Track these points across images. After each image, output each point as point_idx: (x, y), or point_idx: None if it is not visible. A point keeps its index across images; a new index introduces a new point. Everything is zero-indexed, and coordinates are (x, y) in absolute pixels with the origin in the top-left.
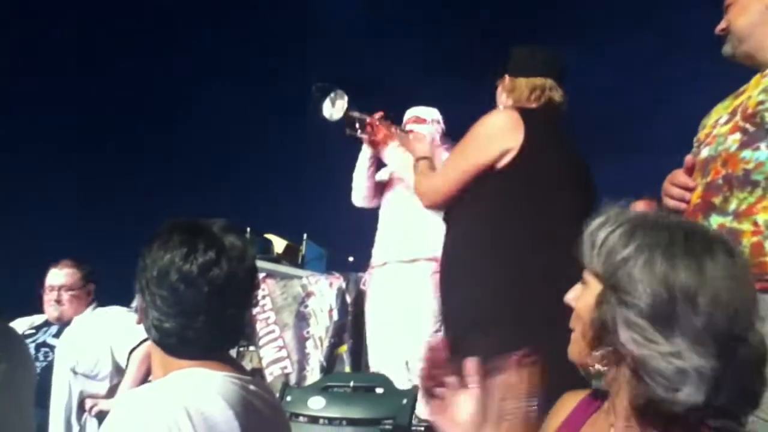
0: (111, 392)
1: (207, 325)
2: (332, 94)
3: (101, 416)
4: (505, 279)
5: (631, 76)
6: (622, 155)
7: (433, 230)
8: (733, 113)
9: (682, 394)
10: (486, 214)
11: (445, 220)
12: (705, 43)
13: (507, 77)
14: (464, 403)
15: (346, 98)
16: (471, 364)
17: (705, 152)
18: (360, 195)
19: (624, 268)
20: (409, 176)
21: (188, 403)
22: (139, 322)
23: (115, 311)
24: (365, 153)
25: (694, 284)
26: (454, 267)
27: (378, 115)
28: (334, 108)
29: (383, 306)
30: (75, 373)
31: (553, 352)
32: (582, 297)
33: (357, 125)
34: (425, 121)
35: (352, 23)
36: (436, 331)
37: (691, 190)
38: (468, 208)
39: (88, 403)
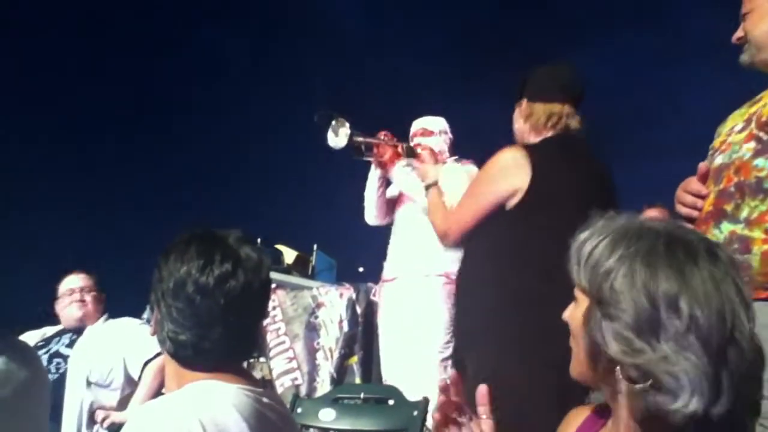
0: (122, 403)
1: (223, 336)
2: (333, 123)
3: (112, 428)
4: (510, 302)
5: (632, 77)
6: (624, 157)
7: (441, 245)
8: (748, 121)
9: (680, 402)
10: (495, 253)
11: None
12: (706, 44)
13: (525, 101)
14: None
15: (347, 124)
16: (483, 392)
17: (719, 159)
18: (372, 214)
19: (607, 281)
20: (419, 196)
21: (203, 415)
22: (153, 334)
23: (128, 322)
24: (374, 173)
25: (675, 290)
26: (463, 302)
27: (383, 134)
28: (338, 137)
29: (395, 319)
30: (89, 383)
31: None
32: (574, 314)
33: (363, 148)
34: (433, 133)
35: (357, 26)
36: (447, 343)
37: (703, 197)
38: (478, 244)
39: (100, 414)
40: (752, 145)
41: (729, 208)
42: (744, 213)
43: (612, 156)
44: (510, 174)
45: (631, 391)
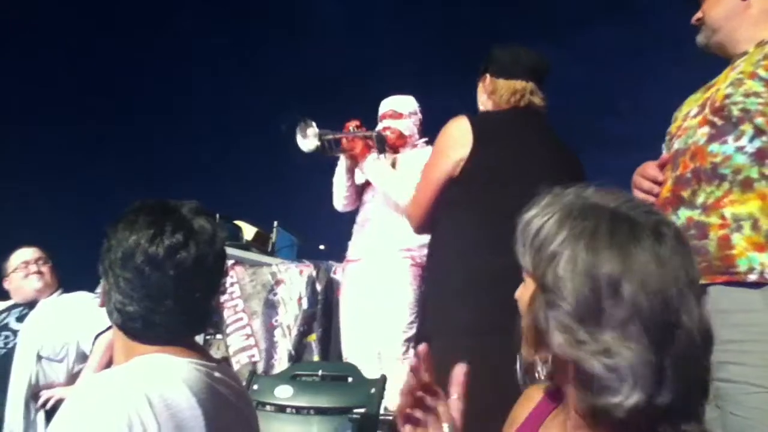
0: (72, 379)
1: (173, 309)
2: (300, 125)
3: (57, 406)
4: (464, 282)
5: (603, 69)
6: (594, 147)
7: (409, 228)
8: (702, 106)
9: (620, 396)
10: (446, 222)
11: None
12: (679, 37)
13: (488, 77)
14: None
15: (314, 124)
16: (459, 371)
17: (676, 145)
18: (341, 202)
19: (550, 266)
20: (390, 191)
21: (149, 389)
22: (101, 305)
23: (82, 296)
24: (343, 164)
25: (617, 274)
26: (427, 273)
27: (353, 124)
28: (307, 139)
29: (358, 297)
30: (39, 357)
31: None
32: (522, 295)
33: (334, 145)
34: (402, 115)
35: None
36: (411, 323)
37: (660, 183)
38: (435, 217)
39: (44, 395)
40: (706, 130)
41: (686, 194)
42: (700, 199)
43: (578, 148)
44: (456, 145)
45: (572, 384)
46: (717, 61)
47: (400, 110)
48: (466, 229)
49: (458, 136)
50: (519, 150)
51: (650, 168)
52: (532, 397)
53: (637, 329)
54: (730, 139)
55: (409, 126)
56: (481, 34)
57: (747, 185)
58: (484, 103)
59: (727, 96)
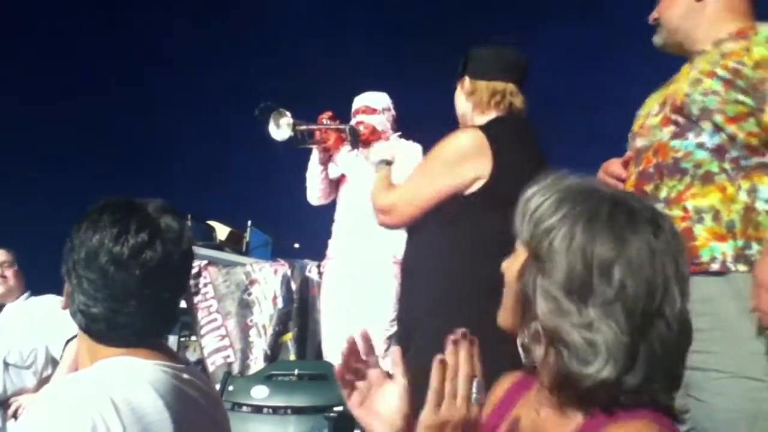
0: (41, 384)
1: (138, 310)
2: (273, 115)
3: None
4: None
5: (574, 66)
6: (565, 145)
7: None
8: (663, 104)
9: (592, 368)
10: (454, 238)
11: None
12: (646, 34)
13: (467, 79)
14: (388, 396)
15: (288, 114)
16: (396, 353)
17: (639, 143)
18: (315, 195)
19: (546, 238)
20: (363, 181)
21: (114, 393)
22: (65, 307)
23: (50, 300)
24: (316, 156)
25: (611, 257)
26: (413, 280)
27: (326, 116)
28: (280, 128)
29: (339, 295)
30: (6, 364)
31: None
32: (511, 265)
33: (307, 136)
34: (375, 110)
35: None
36: (393, 321)
37: (623, 180)
38: (433, 232)
39: (14, 404)
40: (671, 128)
41: (649, 188)
42: (663, 193)
43: (554, 143)
44: (472, 159)
45: (550, 352)
46: (682, 58)
47: (374, 106)
48: (478, 243)
49: (474, 152)
50: (530, 171)
51: (614, 165)
52: (505, 383)
53: (620, 311)
54: (690, 135)
55: (382, 122)
56: (459, 28)
57: (708, 178)
58: (462, 105)
59: (687, 95)
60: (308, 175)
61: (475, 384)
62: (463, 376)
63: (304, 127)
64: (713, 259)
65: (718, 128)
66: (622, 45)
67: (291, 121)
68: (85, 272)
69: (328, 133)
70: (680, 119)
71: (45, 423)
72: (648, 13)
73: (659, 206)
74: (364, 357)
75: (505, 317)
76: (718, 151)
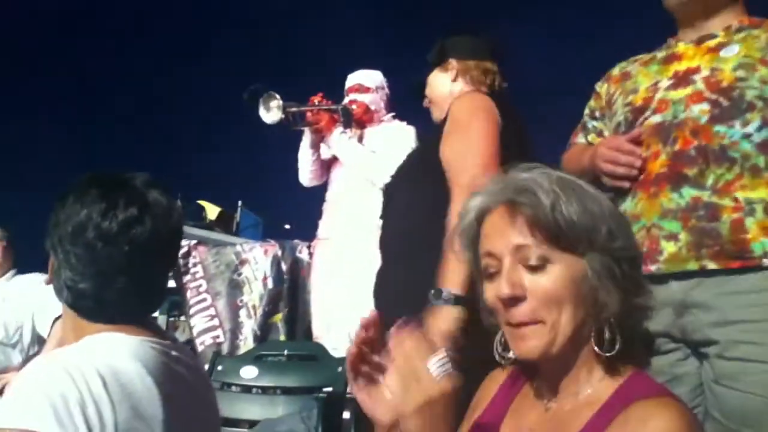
0: (27, 362)
1: (127, 286)
2: (263, 97)
3: None
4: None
5: (569, 46)
6: (554, 128)
7: (378, 205)
8: (682, 79)
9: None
10: (429, 201)
11: (388, 190)
12: (634, 19)
13: (453, 61)
14: (390, 382)
15: (277, 96)
16: (394, 328)
17: (658, 118)
18: (307, 176)
19: (597, 229)
20: (357, 163)
21: (101, 368)
22: (48, 283)
23: (37, 277)
24: (308, 138)
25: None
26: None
27: (317, 98)
28: (270, 112)
29: (329, 276)
30: None
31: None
32: (541, 283)
33: (298, 118)
34: (369, 89)
35: None
36: None
37: (642, 158)
38: (422, 197)
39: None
40: (705, 107)
41: (691, 172)
42: (709, 180)
43: (542, 126)
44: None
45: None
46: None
47: (367, 84)
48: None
49: (493, 108)
50: (522, 139)
51: (626, 144)
52: (496, 379)
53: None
54: (737, 123)
55: (375, 100)
56: (446, 6)
57: (756, 172)
58: (444, 87)
59: (740, 78)
60: (300, 156)
61: (434, 361)
62: (419, 357)
63: (294, 109)
64: (765, 255)
65: (766, 122)
66: (617, 26)
67: (281, 103)
68: (72, 247)
69: (320, 114)
70: (724, 101)
71: (31, 397)
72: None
73: (705, 193)
74: (374, 342)
75: (553, 347)
76: (764, 147)
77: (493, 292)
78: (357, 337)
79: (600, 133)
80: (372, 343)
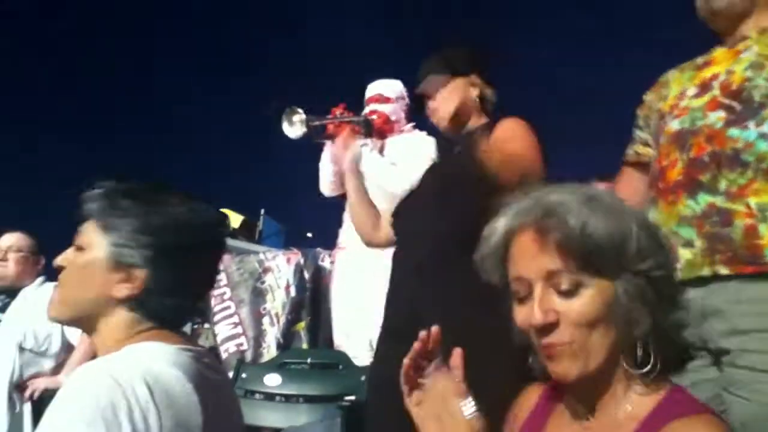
0: (57, 369)
1: (187, 294)
2: (286, 112)
3: (45, 394)
4: None
5: (571, 58)
6: (566, 137)
7: None
8: (704, 87)
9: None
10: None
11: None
12: (641, 26)
13: (477, 78)
14: (446, 399)
15: (300, 111)
16: (457, 355)
17: (677, 124)
18: (328, 187)
19: (624, 247)
20: (382, 179)
21: (147, 375)
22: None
23: None
24: (329, 149)
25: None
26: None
27: (339, 109)
28: (293, 126)
29: (350, 285)
30: (21, 349)
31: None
32: (573, 307)
33: (320, 131)
34: (389, 99)
35: None
36: None
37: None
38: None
39: (30, 387)
40: (722, 114)
41: (705, 178)
42: (722, 186)
43: (555, 136)
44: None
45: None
46: (687, 49)
47: (387, 94)
48: None
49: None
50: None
51: None
52: (531, 396)
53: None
54: (751, 124)
55: (396, 110)
56: (443, 20)
57: None
58: (467, 103)
59: (748, 79)
60: (321, 166)
61: (464, 403)
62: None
63: (317, 123)
64: None
65: None
66: (620, 37)
67: (303, 117)
68: (170, 252)
69: (341, 126)
70: (736, 105)
71: (79, 405)
72: (642, 4)
73: (719, 198)
74: (429, 357)
75: (587, 364)
76: None
77: (524, 316)
78: (413, 351)
79: (645, 143)
80: (428, 358)
